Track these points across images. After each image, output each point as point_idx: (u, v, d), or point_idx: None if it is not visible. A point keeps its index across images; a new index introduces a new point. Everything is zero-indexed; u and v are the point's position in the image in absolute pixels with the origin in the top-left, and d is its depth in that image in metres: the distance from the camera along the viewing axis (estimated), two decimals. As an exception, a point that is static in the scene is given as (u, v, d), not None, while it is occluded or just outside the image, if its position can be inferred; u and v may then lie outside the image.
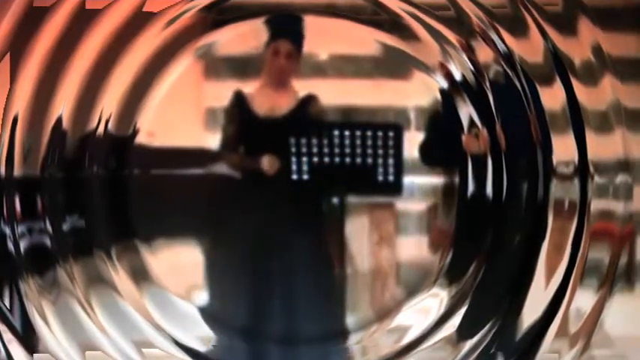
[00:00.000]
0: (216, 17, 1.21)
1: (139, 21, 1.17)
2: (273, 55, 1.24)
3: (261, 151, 1.23)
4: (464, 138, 1.22)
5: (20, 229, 1.15)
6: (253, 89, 1.24)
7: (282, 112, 1.25)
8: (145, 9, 1.17)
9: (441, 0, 1.18)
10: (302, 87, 1.24)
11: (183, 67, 1.20)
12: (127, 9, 1.17)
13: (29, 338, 1.13)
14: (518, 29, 1.15)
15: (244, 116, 1.23)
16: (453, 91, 1.22)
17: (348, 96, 1.23)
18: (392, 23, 1.21)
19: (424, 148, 1.23)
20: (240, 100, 1.24)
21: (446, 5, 1.18)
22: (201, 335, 1.22)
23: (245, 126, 1.24)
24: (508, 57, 1.17)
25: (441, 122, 1.22)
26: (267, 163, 1.23)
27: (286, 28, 1.23)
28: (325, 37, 1.22)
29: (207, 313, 1.23)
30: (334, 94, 1.23)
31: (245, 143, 1.24)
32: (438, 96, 1.22)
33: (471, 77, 1.20)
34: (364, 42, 1.22)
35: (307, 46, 1.23)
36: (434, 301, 1.23)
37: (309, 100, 1.24)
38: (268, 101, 1.24)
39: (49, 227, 1.17)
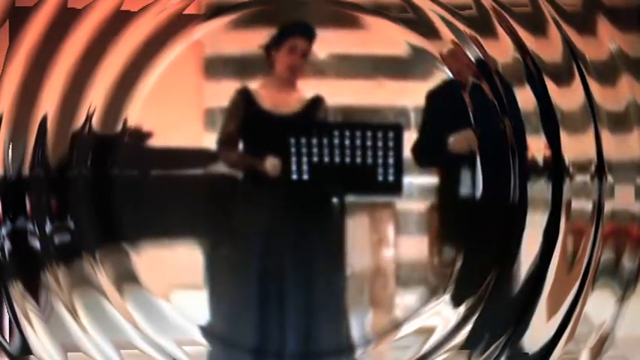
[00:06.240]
0: (208, 12, 1.17)
1: (122, 18, 1.13)
2: (288, 53, 1.19)
3: (265, 149, 1.19)
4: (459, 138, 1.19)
5: (6, 230, 1.11)
6: (258, 86, 1.20)
7: (289, 111, 1.20)
8: (123, 7, 1.13)
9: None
10: (303, 87, 1.21)
11: (173, 63, 1.16)
12: (109, 7, 1.13)
13: (14, 340, 1.09)
14: (538, 28, 1.12)
15: (250, 113, 1.19)
16: (462, 88, 1.19)
17: (348, 96, 1.20)
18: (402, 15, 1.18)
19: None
20: (246, 97, 1.19)
21: (467, 4, 1.15)
22: (183, 338, 1.18)
23: (250, 124, 1.20)
24: (525, 56, 1.14)
25: (445, 122, 1.20)
26: (271, 165, 1.18)
27: (302, 26, 1.19)
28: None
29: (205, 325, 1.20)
30: (335, 93, 1.20)
31: (247, 141, 1.20)
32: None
33: (484, 75, 1.17)
34: (368, 38, 1.19)
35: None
36: (443, 310, 1.19)
37: (317, 101, 1.19)
38: (275, 99, 1.20)
39: (35, 228, 1.12)
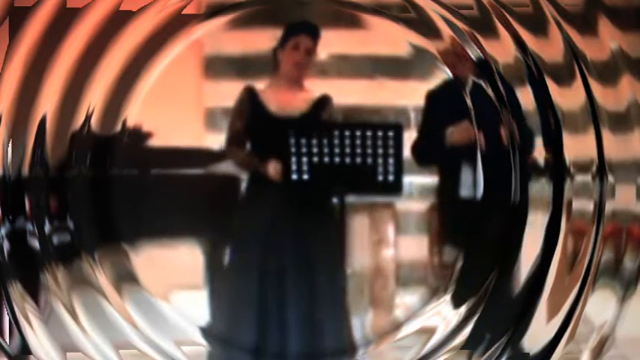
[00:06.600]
0: (208, 11, 1.16)
1: (121, 18, 1.13)
2: (292, 50, 1.18)
3: (270, 151, 1.18)
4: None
5: (6, 230, 1.11)
6: (264, 86, 1.19)
7: (295, 112, 1.20)
8: (122, 7, 1.13)
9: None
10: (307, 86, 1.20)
11: (173, 63, 1.15)
12: (108, 6, 1.12)
13: (14, 340, 1.09)
14: (539, 28, 1.11)
15: (255, 114, 1.18)
16: (462, 88, 1.18)
17: (348, 96, 1.19)
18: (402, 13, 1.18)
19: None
20: (251, 97, 1.18)
21: (468, 3, 1.15)
22: (183, 338, 1.17)
23: (255, 124, 1.19)
24: (526, 56, 1.13)
25: (445, 122, 1.19)
26: (273, 169, 1.18)
27: (306, 24, 1.18)
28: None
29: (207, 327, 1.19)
30: (335, 93, 1.19)
31: (253, 142, 1.19)
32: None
33: (484, 74, 1.17)
34: (368, 38, 1.18)
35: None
36: (444, 310, 1.18)
37: (324, 101, 1.19)
38: (281, 99, 1.19)
39: (34, 229, 1.12)
